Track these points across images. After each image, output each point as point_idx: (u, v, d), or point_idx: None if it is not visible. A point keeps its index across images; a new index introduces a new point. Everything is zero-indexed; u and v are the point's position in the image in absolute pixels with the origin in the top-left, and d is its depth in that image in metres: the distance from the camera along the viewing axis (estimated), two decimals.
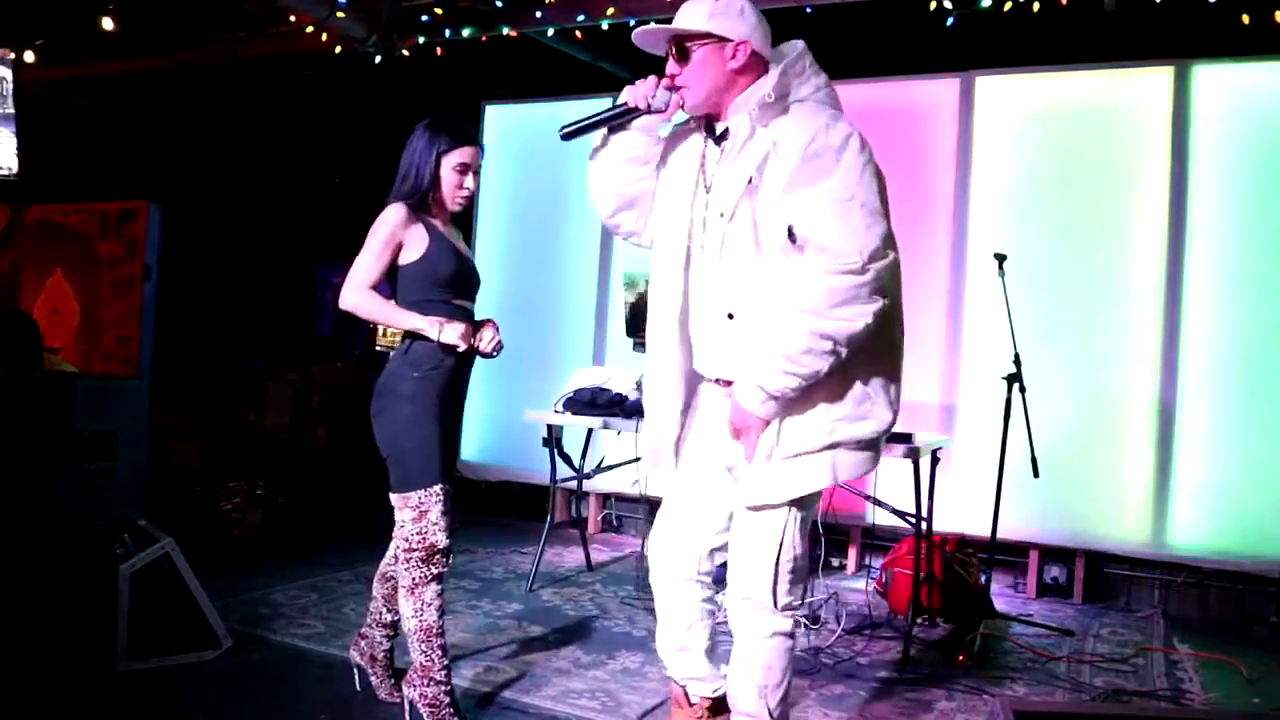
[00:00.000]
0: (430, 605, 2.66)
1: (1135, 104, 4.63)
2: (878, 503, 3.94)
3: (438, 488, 2.65)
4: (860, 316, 2.05)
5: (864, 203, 2.06)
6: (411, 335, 2.70)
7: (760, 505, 2.19)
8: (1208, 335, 4.47)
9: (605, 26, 5.05)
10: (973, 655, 3.62)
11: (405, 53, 5.54)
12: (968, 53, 4.88)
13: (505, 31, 5.21)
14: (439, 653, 2.68)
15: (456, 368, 2.73)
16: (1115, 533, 4.56)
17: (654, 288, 2.36)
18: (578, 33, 5.31)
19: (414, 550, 2.64)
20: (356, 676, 3.02)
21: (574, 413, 4.39)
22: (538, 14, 5.08)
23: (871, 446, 2.23)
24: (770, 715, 2.24)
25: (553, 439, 4.52)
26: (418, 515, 2.64)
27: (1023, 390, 3.98)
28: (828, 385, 2.14)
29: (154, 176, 7.10)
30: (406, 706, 2.75)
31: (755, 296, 2.17)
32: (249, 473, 5.22)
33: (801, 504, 2.22)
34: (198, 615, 3.20)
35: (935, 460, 3.92)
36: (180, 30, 6.04)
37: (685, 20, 2.20)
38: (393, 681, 2.94)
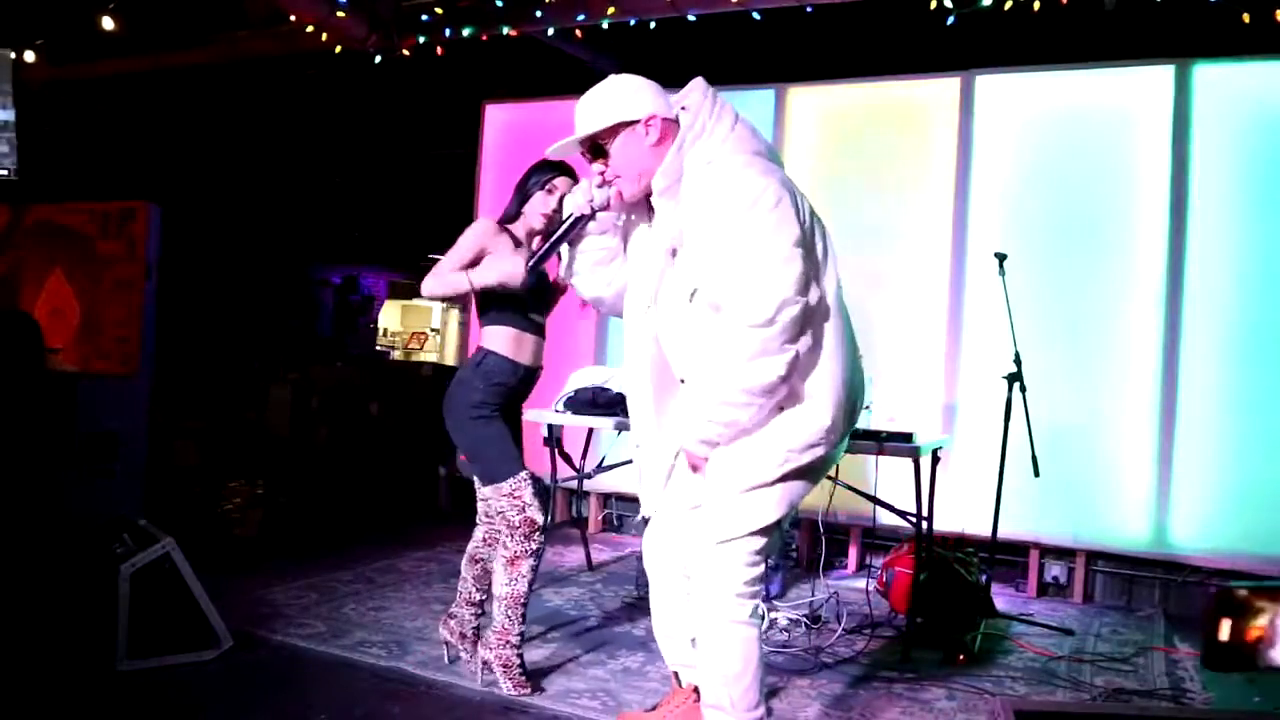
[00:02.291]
0: (524, 577, 2.99)
1: (1135, 103, 4.63)
2: (878, 502, 3.94)
3: (524, 474, 3.00)
4: (773, 368, 2.12)
5: (769, 256, 2.10)
6: (486, 349, 3.02)
7: (723, 539, 2.25)
8: (1208, 334, 4.47)
9: (605, 26, 5.06)
10: (973, 655, 3.62)
11: (405, 53, 5.54)
12: (968, 52, 4.88)
13: (505, 31, 5.21)
14: (520, 621, 3.00)
15: (521, 382, 3.08)
16: (1115, 532, 4.56)
17: (627, 349, 2.50)
18: (578, 32, 5.31)
19: (517, 529, 2.97)
20: (445, 652, 3.30)
21: (574, 412, 4.39)
22: (538, 14, 5.08)
23: (812, 472, 2.31)
24: (733, 705, 2.26)
25: (553, 439, 4.52)
26: (515, 500, 2.97)
27: (1023, 390, 3.98)
28: (787, 423, 2.24)
29: (154, 176, 7.10)
30: (480, 665, 3.05)
31: (694, 356, 2.29)
32: (249, 473, 5.22)
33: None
34: (198, 615, 3.20)
35: (936, 460, 3.92)
36: (180, 30, 6.04)
37: (591, 122, 2.28)
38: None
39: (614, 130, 2.26)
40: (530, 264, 2.49)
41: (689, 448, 2.28)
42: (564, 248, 2.47)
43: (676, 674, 2.64)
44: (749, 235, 2.11)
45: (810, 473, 2.30)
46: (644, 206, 2.39)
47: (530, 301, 3.04)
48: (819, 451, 2.26)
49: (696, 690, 2.54)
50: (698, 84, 2.29)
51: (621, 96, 2.26)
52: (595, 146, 2.30)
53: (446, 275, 2.95)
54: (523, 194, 3.07)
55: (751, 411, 2.17)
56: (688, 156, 2.22)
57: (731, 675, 2.25)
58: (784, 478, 2.24)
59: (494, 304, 3.02)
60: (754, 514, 2.24)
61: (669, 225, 2.26)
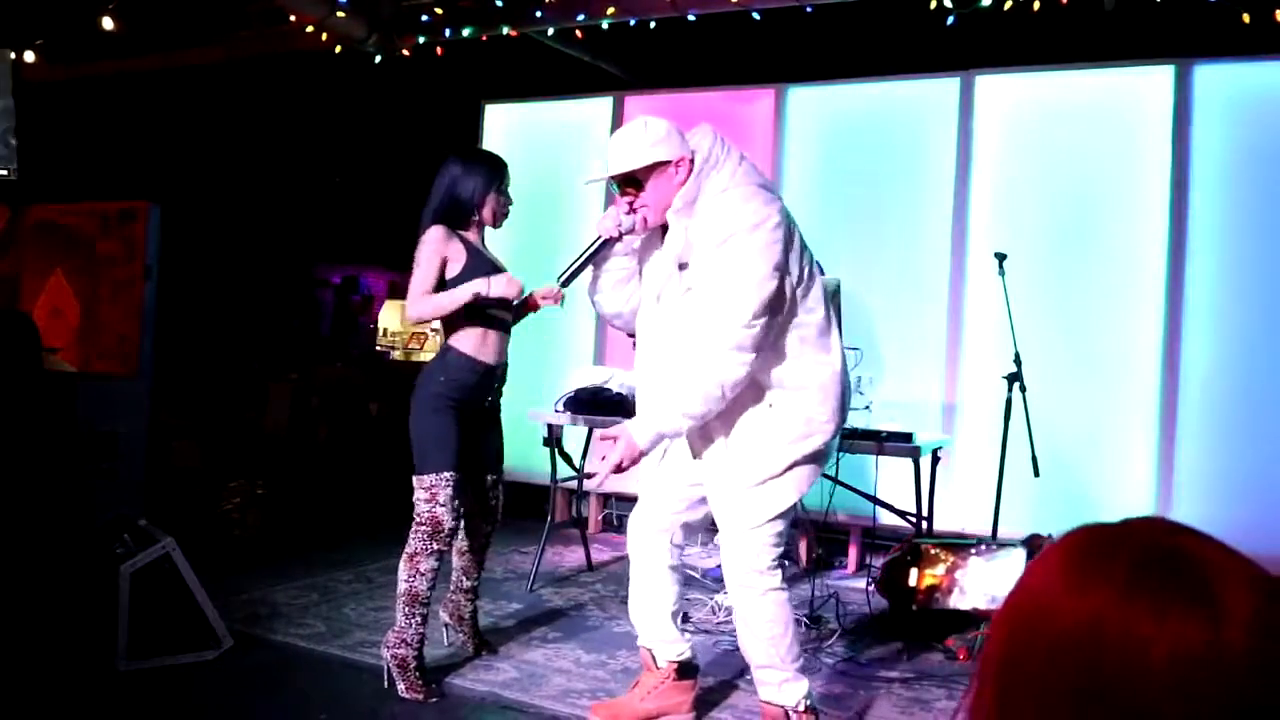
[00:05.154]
0: (424, 575, 2.98)
1: (1136, 103, 4.63)
2: (878, 502, 3.94)
3: (448, 474, 2.98)
4: (741, 364, 2.39)
5: (753, 275, 2.37)
6: (450, 345, 3.07)
7: (754, 525, 2.53)
8: (1209, 334, 4.47)
9: (605, 26, 5.06)
10: (973, 654, 3.62)
11: (405, 53, 5.54)
12: (968, 52, 4.87)
13: (505, 31, 5.21)
14: (418, 619, 2.98)
15: (481, 378, 3.09)
16: None
17: (638, 351, 2.74)
18: (578, 32, 5.31)
19: (422, 525, 2.98)
20: (445, 634, 3.41)
21: (574, 412, 4.39)
22: (538, 14, 5.08)
23: (818, 457, 2.61)
24: (782, 661, 2.55)
25: (553, 439, 4.51)
26: (429, 496, 2.97)
27: (1023, 389, 3.98)
28: (780, 418, 2.53)
29: (154, 176, 7.10)
30: (385, 667, 2.99)
31: (684, 348, 2.52)
32: (249, 473, 5.21)
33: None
34: (198, 615, 3.20)
35: (936, 460, 3.92)
36: (180, 30, 6.04)
37: (630, 160, 2.51)
38: (478, 639, 3.37)
39: (650, 169, 2.50)
40: (562, 280, 2.69)
41: (642, 440, 2.44)
42: (590, 268, 2.70)
43: (652, 654, 2.81)
44: (745, 253, 2.38)
45: (816, 458, 2.59)
46: (656, 233, 2.64)
47: (495, 299, 3.09)
48: (816, 442, 2.55)
49: (676, 669, 2.76)
50: (706, 127, 2.58)
51: (658, 139, 2.50)
52: (628, 179, 2.53)
53: (434, 298, 3.01)
54: (467, 199, 3.10)
55: (714, 407, 2.42)
56: (705, 183, 2.48)
57: (776, 636, 2.54)
58: (791, 466, 2.52)
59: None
60: (773, 501, 2.52)
61: (679, 240, 2.50)
